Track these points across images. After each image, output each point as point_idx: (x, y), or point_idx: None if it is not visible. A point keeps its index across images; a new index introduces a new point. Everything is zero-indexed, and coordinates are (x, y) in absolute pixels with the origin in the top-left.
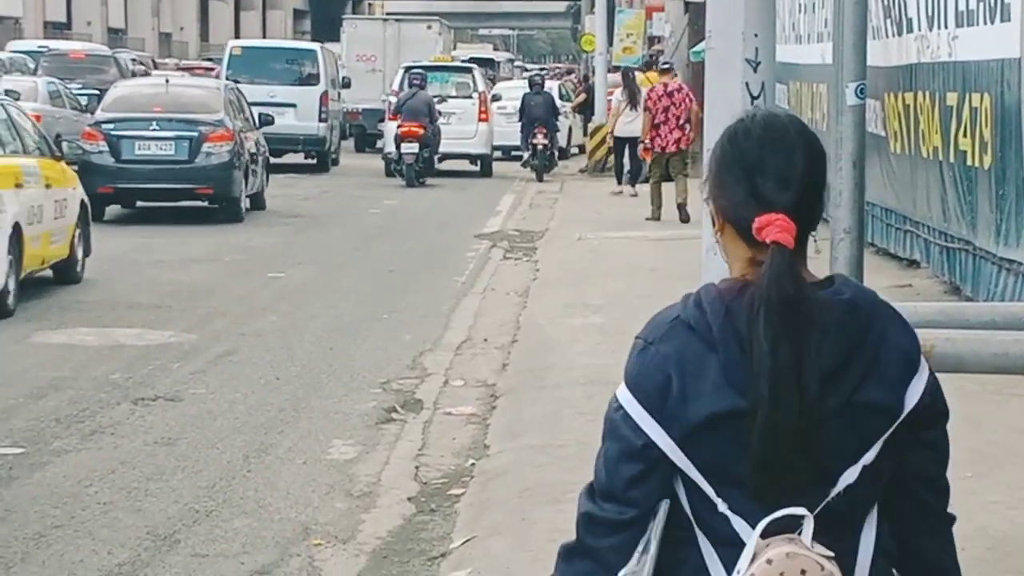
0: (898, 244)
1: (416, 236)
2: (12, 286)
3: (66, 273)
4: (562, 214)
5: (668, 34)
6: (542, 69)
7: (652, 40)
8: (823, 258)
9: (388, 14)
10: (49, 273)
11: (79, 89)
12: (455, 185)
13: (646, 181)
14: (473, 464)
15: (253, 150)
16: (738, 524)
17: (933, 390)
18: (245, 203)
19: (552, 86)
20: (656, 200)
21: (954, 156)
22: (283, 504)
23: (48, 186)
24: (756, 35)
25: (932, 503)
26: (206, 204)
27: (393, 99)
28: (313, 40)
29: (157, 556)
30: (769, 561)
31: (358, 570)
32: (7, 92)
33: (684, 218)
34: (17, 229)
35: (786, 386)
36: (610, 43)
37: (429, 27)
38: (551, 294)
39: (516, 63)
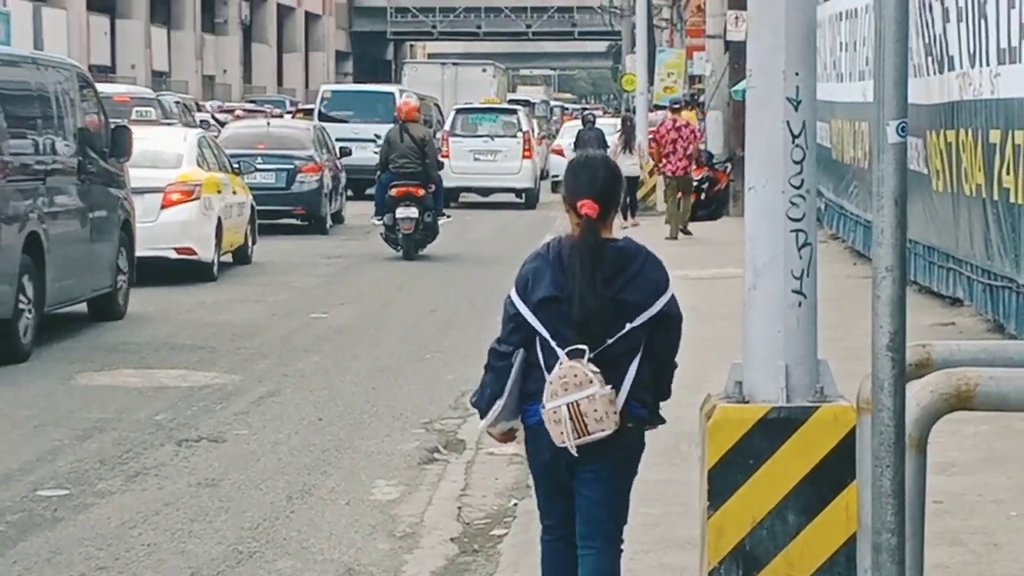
0: (941, 282)
1: (459, 274)
2: (217, 260)
3: (241, 255)
4: None
5: (709, 73)
6: (583, 109)
7: (693, 79)
8: (863, 293)
9: (429, 55)
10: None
11: None
12: (496, 223)
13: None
14: (516, 504)
15: (335, 178)
16: (559, 354)
17: (670, 305)
18: (328, 221)
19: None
20: (673, 219)
21: (997, 194)
22: (326, 545)
23: (234, 192)
24: (797, 73)
25: (666, 358)
26: (299, 222)
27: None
28: (355, 81)
29: None
30: (560, 365)
31: None
32: None
33: (684, 233)
34: (219, 222)
35: (584, 285)
36: (651, 82)
37: (484, 70)
38: None
39: (552, 103)
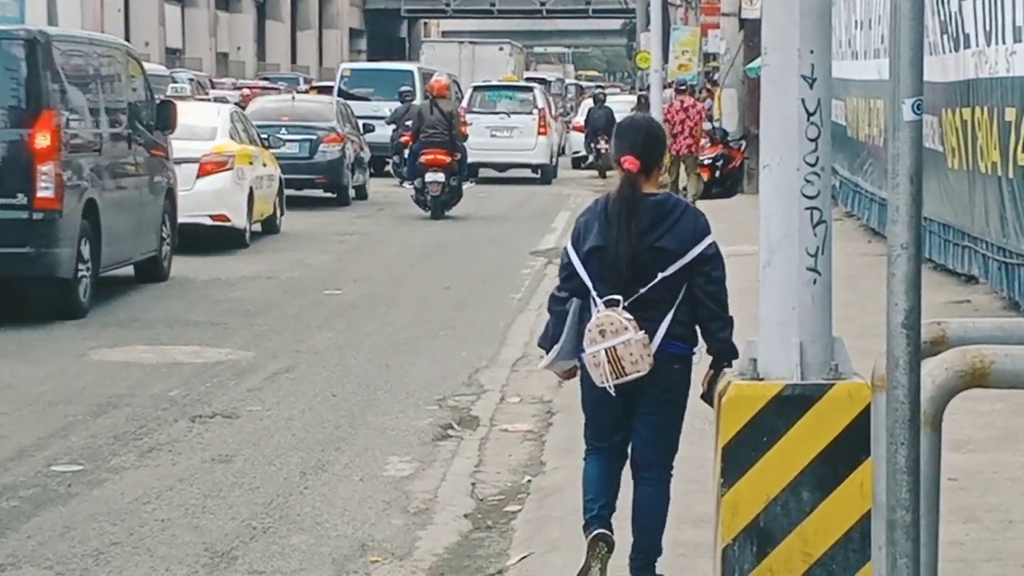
0: (956, 260)
1: (472, 253)
2: (249, 228)
3: (270, 225)
4: None
5: (723, 51)
6: (598, 86)
7: (708, 57)
8: (878, 271)
9: (443, 33)
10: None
11: None
12: (511, 201)
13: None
14: (529, 481)
15: (358, 151)
16: (598, 302)
17: (709, 250)
18: (351, 192)
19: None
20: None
21: (1013, 171)
22: (340, 521)
23: (264, 164)
24: (812, 51)
25: (711, 305)
26: (322, 192)
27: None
28: (369, 59)
29: (215, 573)
30: (597, 314)
31: None
32: None
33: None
34: (251, 191)
35: (622, 235)
36: (665, 60)
37: (501, 48)
38: None
39: (568, 82)
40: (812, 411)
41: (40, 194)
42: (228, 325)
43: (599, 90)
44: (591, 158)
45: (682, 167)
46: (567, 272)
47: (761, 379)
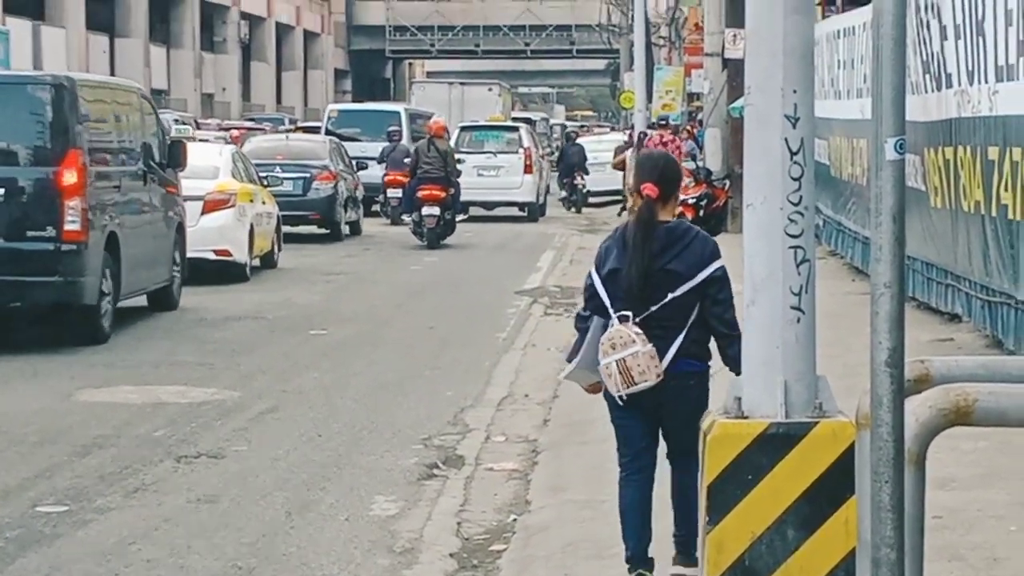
0: (939, 298)
1: (457, 292)
2: (249, 262)
3: (268, 260)
4: None
5: (707, 91)
6: (582, 126)
7: (691, 97)
8: (862, 310)
9: (428, 73)
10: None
11: None
12: (495, 242)
13: None
14: (515, 519)
15: (352, 189)
16: (613, 318)
17: (717, 272)
18: (345, 229)
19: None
20: None
21: (996, 210)
22: (325, 561)
23: (264, 202)
24: (795, 91)
25: (718, 326)
26: (316, 228)
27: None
28: (354, 99)
29: None
30: (612, 327)
31: None
32: None
33: None
34: (251, 228)
35: (636, 257)
36: (649, 100)
37: (490, 89)
38: None
39: (551, 121)
40: (797, 449)
41: (67, 227)
42: (214, 365)
43: (570, 129)
44: (564, 194)
45: None
46: (589, 293)
47: (746, 417)
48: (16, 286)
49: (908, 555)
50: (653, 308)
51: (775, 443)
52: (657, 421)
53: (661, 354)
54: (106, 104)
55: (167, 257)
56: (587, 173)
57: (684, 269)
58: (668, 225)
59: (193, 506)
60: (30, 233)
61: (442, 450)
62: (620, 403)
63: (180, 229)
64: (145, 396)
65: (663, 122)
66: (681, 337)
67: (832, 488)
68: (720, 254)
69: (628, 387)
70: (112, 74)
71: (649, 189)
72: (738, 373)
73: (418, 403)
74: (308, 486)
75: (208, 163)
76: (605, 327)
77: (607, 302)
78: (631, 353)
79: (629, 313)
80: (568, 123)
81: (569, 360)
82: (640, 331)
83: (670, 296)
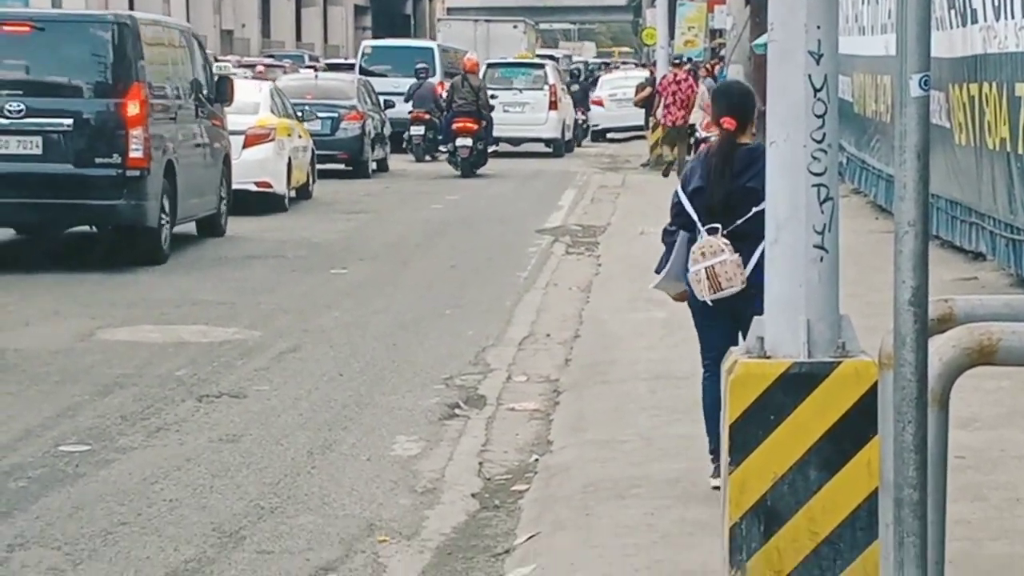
0: (963, 237)
1: (478, 231)
2: (288, 194)
3: (304, 192)
4: (624, 209)
5: (730, 27)
6: (605, 63)
7: (714, 33)
8: (885, 248)
9: (448, 9)
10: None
11: None
12: (517, 179)
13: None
14: (536, 460)
15: (379, 128)
16: (701, 230)
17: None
18: (372, 166)
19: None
20: (667, 159)
21: (1022, 147)
22: (347, 500)
23: (300, 136)
24: (819, 27)
25: None
26: (343, 167)
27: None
28: (374, 36)
29: (223, 553)
30: (702, 238)
31: (422, 566)
32: None
33: (667, 173)
34: (289, 161)
35: (716, 178)
36: (672, 36)
37: (515, 26)
38: (613, 289)
39: (574, 59)
40: (819, 389)
41: (132, 154)
42: (235, 304)
43: (573, 67)
44: None
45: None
46: (676, 210)
47: (768, 357)
48: (85, 209)
49: (931, 496)
50: (738, 222)
51: (797, 383)
52: (737, 325)
53: (744, 263)
54: (161, 42)
55: (215, 186)
56: (588, 109)
57: (762, 185)
58: (748, 147)
59: (215, 446)
60: (97, 160)
61: (463, 390)
62: (706, 308)
63: (226, 160)
64: (166, 335)
65: (678, 61)
66: (761, 247)
67: (855, 428)
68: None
69: (715, 292)
70: (131, 10)
71: (728, 123)
72: None
73: (439, 343)
74: (329, 426)
75: (249, 99)
76: (691, 240)
77: (694, 216)
78: (719, 261)
79: (718, 225)
80: (594, 60)
81: (657, 271)
82: (728, 242)
83: (754, 210)
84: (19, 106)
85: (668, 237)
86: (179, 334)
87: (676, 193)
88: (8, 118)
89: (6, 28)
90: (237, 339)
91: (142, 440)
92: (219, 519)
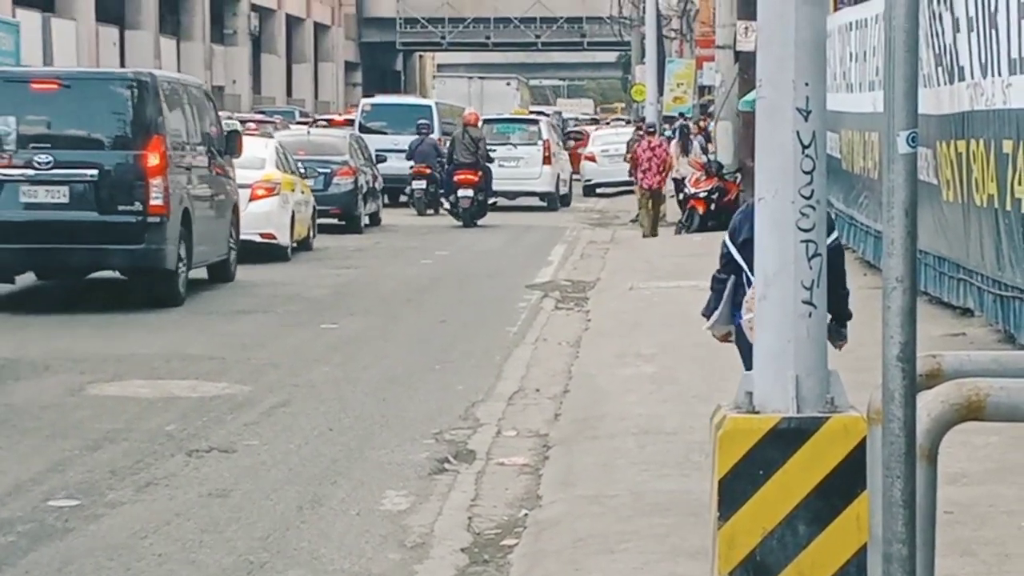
0: (952, 292)
1: (468, 286)
2: (290, 245)
3: (304, 244)
4: (613, 264)
5: (719, 83)
6: (593, 119)
7: (703, 89)
8: (874, 304)
9: (439, 66)
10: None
11: None
12: (508, 234)
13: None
14: (526, 514)
15: (371, 183)
16: (753, 280)
17: (834, 243)
18: (364, 220)
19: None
20: (647, 223)
21: (1010, 204)
22: (337, 555)
23: (302, 192)
24: (807, 84)
25: (836, 287)
26: (336, 221)
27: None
28: (364, 92)
29: None
30: (752, 288)
31: None
32: None
33: (652, 234)
34: (292, 214)
35: None
36: (661, 92)
37: (508, 83)
38: (603, 344)
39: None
40: (808, 444)
41: (152, 202)
42: (225, 359)
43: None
44: None
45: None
46: (725, 260)
47: (757, 412)
48: (108, 253)
49: (920, 550)
50: None
51: (786, 438)
52: None
53: None
54: (178, 97)
55: (226, 234)
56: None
57: None
58: None
59: (204, 500)
60: (120, 208)
61: (453, 444)
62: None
63: (235, 210)
64: (156, 390)
65: (652, 129)
66: None
67: (844, 483)
68: (835, 226)
69: None
70: (122, 67)
71: None
72: (843, 325)
73: (429, 397)
74: (319, 480)
75: (255, 155)
76: (739, 286)
77: (744, 266)
78: None
79: None
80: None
81: (704, 315)
82: None
83: None
84: (48, 158)
85: (717, 284)
86: (169, 389)
87: (724, 243)
88: (37, 169)
89: (35, 86)
90: (227, 394)
91: (131, 495)
92: (208, 574)
